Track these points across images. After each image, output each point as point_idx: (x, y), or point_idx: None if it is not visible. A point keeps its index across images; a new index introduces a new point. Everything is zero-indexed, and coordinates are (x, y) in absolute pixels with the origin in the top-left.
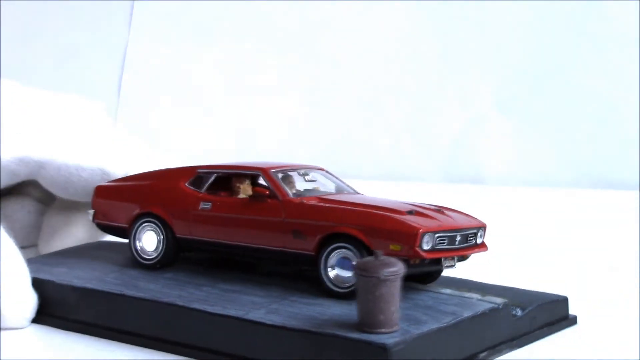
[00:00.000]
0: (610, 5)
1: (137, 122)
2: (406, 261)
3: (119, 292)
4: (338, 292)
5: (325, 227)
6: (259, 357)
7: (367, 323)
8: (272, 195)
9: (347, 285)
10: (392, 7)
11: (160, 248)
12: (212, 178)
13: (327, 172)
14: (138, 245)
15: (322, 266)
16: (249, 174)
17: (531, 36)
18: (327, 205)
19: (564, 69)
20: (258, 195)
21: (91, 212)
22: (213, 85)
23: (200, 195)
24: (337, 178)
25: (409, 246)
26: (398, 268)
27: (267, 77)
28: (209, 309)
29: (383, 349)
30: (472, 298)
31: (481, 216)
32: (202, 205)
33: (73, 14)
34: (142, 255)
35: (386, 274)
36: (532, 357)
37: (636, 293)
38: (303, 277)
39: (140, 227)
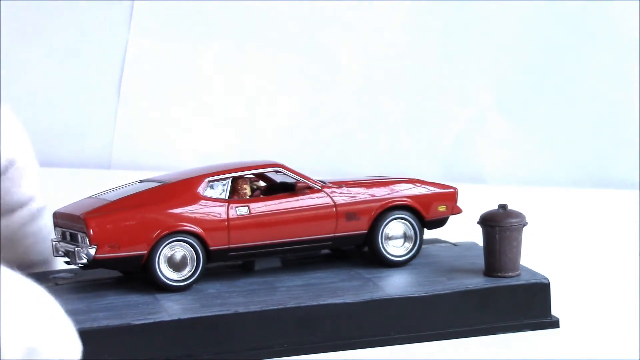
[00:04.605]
0: (610, 5)
1: (137, 122)
2: (444, 221)
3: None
4: (397, 261)
5: (378, 204)
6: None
7: (508, 268)
8: (309, 187)
9: (403, 253)
10: (391, 7)
11: (194, 265)
12: (229, 183)
13: (283, 168)
14: (165, 268)
15: (379, 240)
16: (268, 171)
17: (531, 36)
18: (367, 185)
19: (564, 69)
20: (299, 189)
21: (91, 248)
22: (213, 86)
23: (229, 201)
24: (295, 173)
25: (452, 204)
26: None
27: (266, 76)
28: (339, 300)
29: (547, 284)
30: None
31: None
32: (237, 211)
33: (73, 14)
34: (172, 277)
35: (527, 221)
36: (530, 357)
37: (636, 293)
38: (307, 263)
39: (166, 249)
